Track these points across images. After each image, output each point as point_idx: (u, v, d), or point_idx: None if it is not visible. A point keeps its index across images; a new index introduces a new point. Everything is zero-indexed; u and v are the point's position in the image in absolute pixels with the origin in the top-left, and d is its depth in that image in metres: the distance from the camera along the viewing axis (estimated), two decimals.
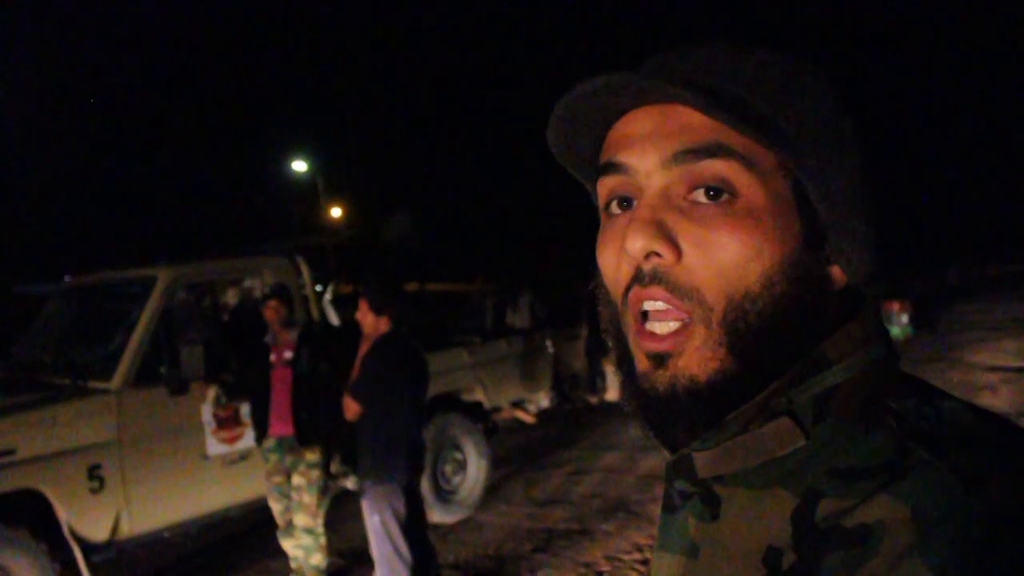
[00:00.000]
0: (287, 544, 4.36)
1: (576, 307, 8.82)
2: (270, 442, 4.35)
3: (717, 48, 0.59)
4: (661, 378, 0.57)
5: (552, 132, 0.62)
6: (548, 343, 6.80)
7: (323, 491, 4.31)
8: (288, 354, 4.37)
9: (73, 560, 3.88)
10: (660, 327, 0.57)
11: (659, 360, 0.57)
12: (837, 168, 0.57)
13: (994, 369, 9.55)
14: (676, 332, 0.56)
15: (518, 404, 6.51)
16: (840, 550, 0.48)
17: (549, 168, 0.71)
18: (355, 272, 6.49)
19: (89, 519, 3.98)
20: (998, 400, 7.73)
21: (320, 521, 4.30)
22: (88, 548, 3.96)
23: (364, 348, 3.78)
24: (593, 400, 9.03)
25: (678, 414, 0.57)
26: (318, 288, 5.36)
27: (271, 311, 4.38)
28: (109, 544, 4.07)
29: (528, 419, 6.65)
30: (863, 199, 0.58)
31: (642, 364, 0.59)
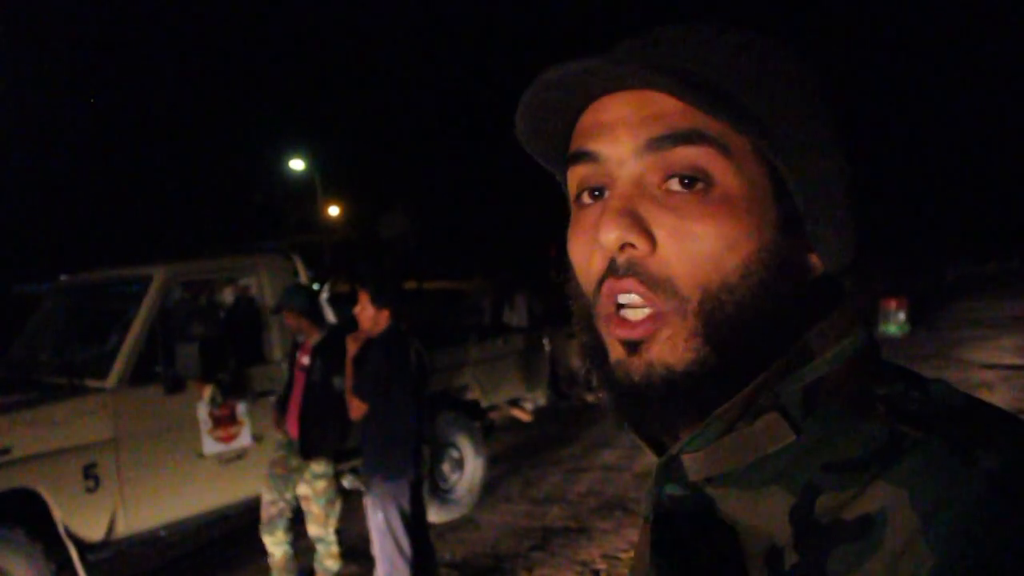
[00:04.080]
0: (267, 540, 4.27)
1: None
2: (284, 437, 4.30)
3: (691, 30, 0.57)
4: (636, 366, 0.55)
5: (520, 119, 0.60)
6: (545, 341, 6.79)
7: (331, 501, 4.21)
8: (307, 360, 4.24)
9: (69, 560, 3.87)
10: (633, 314, 0.56)
11: (633, 347, 0.56)
12: (815, 154, 0.55)
13: (992, 367, 9.57)
14: (649, 318, 0.55)
15: (515, 402, 6.51)
16: (844, 544, 0.47)
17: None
18: (352, 270, 6.48)
19: (85, 518, 3.97)
20: (995, 398, 7.74)
21: (331, 529, 4.22)
22: (84, 547, 3.95)
23: (356, 345, 3.74)
24: (590, 398, 9.02)
25: (654, 405, 0.55)
26: (315, 286, 5.36)
27: (292, 318, 4.23)
28: (105, 543, 4.06)
29: (525, 417, 6.65)
30: (844, 186, 0.57)
31: (616, 352, 0.57)
